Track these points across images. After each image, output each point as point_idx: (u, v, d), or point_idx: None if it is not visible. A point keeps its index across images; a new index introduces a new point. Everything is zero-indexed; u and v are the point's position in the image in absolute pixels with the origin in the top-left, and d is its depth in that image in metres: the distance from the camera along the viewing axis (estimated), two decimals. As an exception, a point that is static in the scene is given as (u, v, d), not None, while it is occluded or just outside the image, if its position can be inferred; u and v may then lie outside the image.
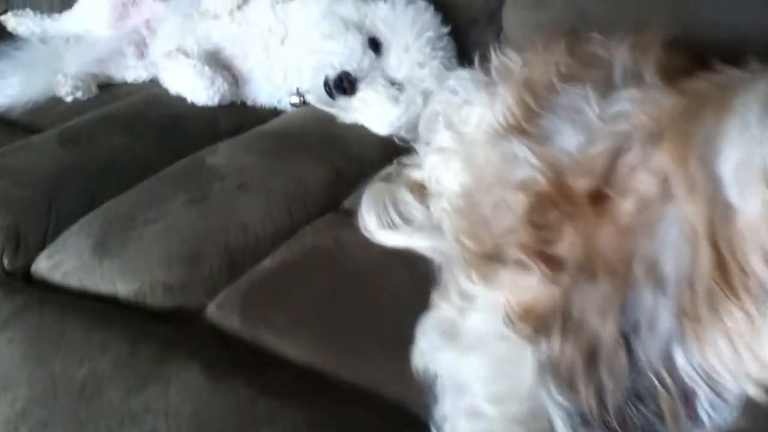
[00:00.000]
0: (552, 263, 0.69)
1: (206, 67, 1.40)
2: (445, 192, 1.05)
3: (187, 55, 1.42)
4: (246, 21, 1.50)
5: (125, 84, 1.70)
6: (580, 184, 0.69)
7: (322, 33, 1.37)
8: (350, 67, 1.33)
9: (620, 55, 0.95)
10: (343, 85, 1.33)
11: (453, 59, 1.43)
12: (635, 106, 0.71)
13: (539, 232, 0.71)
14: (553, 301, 0.67)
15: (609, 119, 0.73)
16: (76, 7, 1.82)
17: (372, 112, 1.36)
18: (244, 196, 1.12)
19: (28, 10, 1.87)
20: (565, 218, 0.69)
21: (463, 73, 1.23)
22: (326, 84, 1.34)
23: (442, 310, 0.80)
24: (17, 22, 1.85)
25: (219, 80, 1.41)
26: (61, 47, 1.73)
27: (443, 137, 1.09)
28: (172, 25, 1.64)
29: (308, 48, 1.40)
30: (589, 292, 0.63)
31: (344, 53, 1.33)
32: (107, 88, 1.67)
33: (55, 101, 1.58)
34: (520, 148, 0.85)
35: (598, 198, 0.66)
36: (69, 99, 1.58)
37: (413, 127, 1.35)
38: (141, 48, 1.73)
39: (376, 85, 1.35)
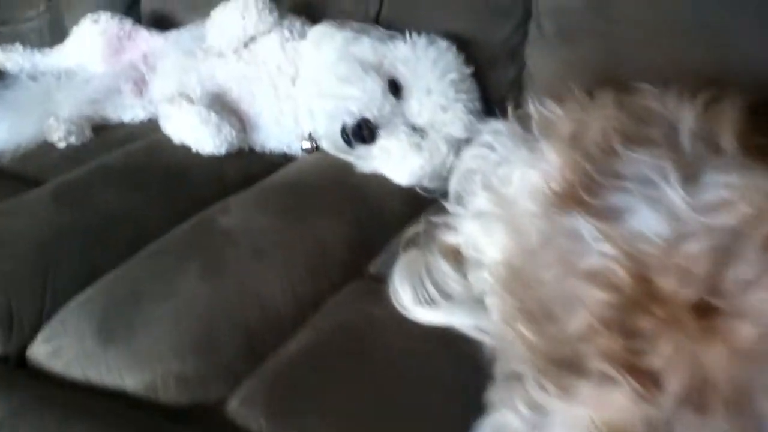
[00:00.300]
0: (645, 379, 0.59)
1: (212, 114, 1.30)
2: (486, 261, 0.95)
3: (190, 100, 1.31)
4: (253, 60, 1.40)
5: (122, 125, 1.59)
6: (675, 288, 0.60)
7: (338, 76, 1.27)
8: (370, 114, 1.23)
9: (685, 115, 0.86)
10: (363, 133, 1.23)
11: (477, 101, 1.33)
12: (734, 193, 0.62)
13: (627, 340, 0.61)
14: (649, 424, 0.58)
15: (702, 209, 0.63)
16: (68, 40, 1.70)
17: (393, 161, 1.26)
18: (261, 265, 1.02)
19: (17, 44, 1.75)
20: (660, 327, 0.59)
21: (498, 126, 1.14)
22: (344, 132, 1.25)
23: (506, 418, 0.69)
24: (5, 57, 1.73)
25: (226, 128, 1.31)
26: (53, 86, 1.62)
27: (481, 200, 0.99)
28: (173, 63, 1.53)
29: (322, 91, 1.30)
30: (699, 426, 0.54)
31: (363, 99, 1.23)
32: (103, 130, 1.57)
33: (47, 147, 1.47)
34: (586, 226, 0.75)
35: (704, 311, 0.56)
36: (62, 145, 1.47)
37: (437, 176, 1.26)
38: (139, 85, 1.63)
39: (398, 131, 1.25)
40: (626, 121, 0.92)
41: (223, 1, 1.42)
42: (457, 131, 1.28)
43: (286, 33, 1.41)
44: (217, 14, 1.40)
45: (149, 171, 1.26)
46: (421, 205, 1.23)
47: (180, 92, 1.39)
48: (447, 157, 1.27)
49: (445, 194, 1.15)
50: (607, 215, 0.75)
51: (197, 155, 1.33)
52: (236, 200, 1.19)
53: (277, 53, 1.39)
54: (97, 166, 1.30)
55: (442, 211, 1.10)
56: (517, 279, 0.86)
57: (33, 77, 1.67)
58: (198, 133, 1.29)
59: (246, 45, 1.41)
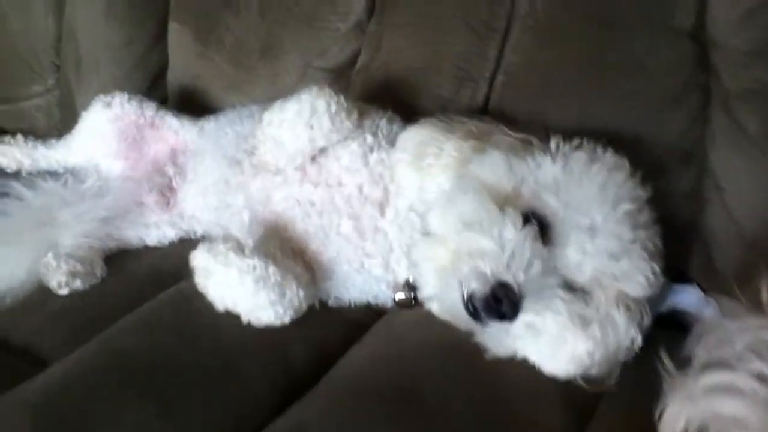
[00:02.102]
0: None
1: (271, 270, 0.88)
2: None
3: (239, 247, 0.89)
4: (324, 179, 0.99)
5: (146, 251, 1.19)
6: None
7: (459, 215, 0.85)
8: (511, 277, 0.80)
9: None
10: (500, 308, 0.80)
11: (658, 241, 0.89)
12: None
13: None
14: None
15: None
16: (76, 130, 1.31)
17: (547, 343, 0.83)
18: None
19: (18, 135, 1.37)
20: None
21: (728, 305, 0.71)
22: (470, 303, 0.82)
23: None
24: (0, 151, 1.35)
25: (292, 288, 0.89)
26: (54, 201, 1.21)
27: None
28: (211, 171, 1.13)
29: (433, 235, 0.88)
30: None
31: (500, 254, 0.81)
32: (121, 260, 1.16)
33: (43, 294, 1.07)
34: None
35: None
36: (63, 293, 1.07)
37: (609, 360, 0.83)
38: (166, 195, 1.23)
39: (552, 298, 0.82)
40: None
41: (279, 100, 1.00)
42: (637, 289, 0.85)
43: (369, 139, 1.00)
44: (272, 120, 0.98)
45: (181, 358, 0.85)
46: (587, 406, 0.81)
47: (223, 229, 0.98)
48: (626, 332, 0.83)
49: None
50: None
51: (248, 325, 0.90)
52: (306, 410, 0.77)
53: (359, 169, 0.98)
54: (105, 348, 0.88)
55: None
56: None
57: (30, 183, 1.26)
58: (252, 300, 0.87)
59: (314, 158, 0.99)
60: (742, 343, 0.65)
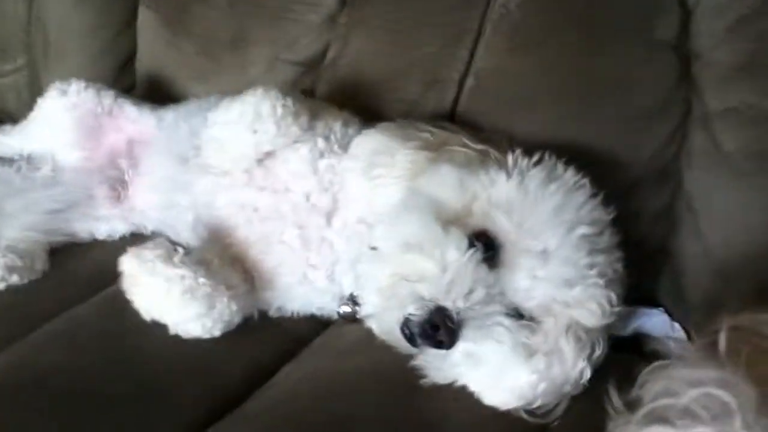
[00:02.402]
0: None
1: (201, 280, 0.83)
2: None
3: (168, 255, 0.84)
4: (270, 184, 0.93)
5: (95, 245, 1.14)
6: None
7: (400, 233, 0.79)
8: (450, 303, 0.75)
9: None
10: (437, 336, 0.75)
11: (619, 266, 0.83)
12: None
13: None
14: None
15: None
16: (32, 116, 1.25)
17: (487, 373, 0.78)
18: None
19: (-24, 120, 1.32)
20: None
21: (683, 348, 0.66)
22: (406, 327, 0.77)
23: None
24: (-48, 135, 1.30)
25: (222, 299, 0.84)
26: (2, 189, 1.16)
27: None
28: (161, 166, 1.08)
29: (374, 250, 0.82)
30: None
31: (441, 277, 0.75)
32: (66, 254, 1.11)
33: (-20, 287, 1.02)
34: None
35: None
36: (1, 286, 1.01)
37: (555, 391, 0.77)
38: (117, 189, 1.17)
39: (494, 325, 0.77)
40: None
41: (226, 99, 0.94)
42: (590, 319, 0.79)
43: (321, 143, 0.94)
44: (216, 121, 0.92)
45: (103, 379, 0.79)
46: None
47: (169, 228, 0.93)
48: (574, 364, 0.78)
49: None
50: None
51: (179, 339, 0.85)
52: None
53: (307, 174, 0.92)
54: (19, 363, 0.83)
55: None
56: None
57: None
58: (179, 312, 0.82)
59: (261, 161, 0.94)
60: (690, 397, 0.59)
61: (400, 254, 0.78)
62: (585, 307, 0.79)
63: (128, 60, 1.48)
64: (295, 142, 0.93)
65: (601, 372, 0.81)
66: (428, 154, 0.87)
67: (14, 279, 1.02)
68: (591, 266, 0.79)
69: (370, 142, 0.91)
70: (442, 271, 0.75)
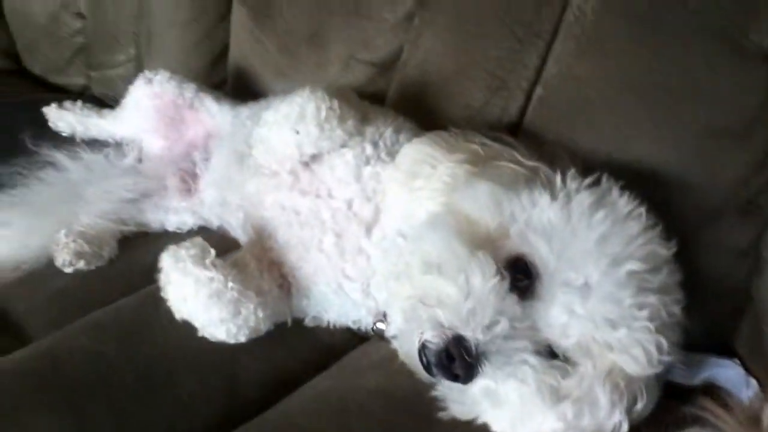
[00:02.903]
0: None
1: (230, 284, 0.82)
2: None
3: (200, 256, 0.84)
4: (314, 188, 0.91)
5: (165, 236, 1.17)
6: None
7: (424, 253, 0.74)
8: (470, 332, 0.69)
9: None
10: (453, 368, 0.69)
11: (677, 309, 0.73)
12: None
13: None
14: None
15: None
16: (122, 104, 1.31)
17: (509, 414, 0.71)
18: None
19: (78, 101, 1.40)
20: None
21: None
22: (422, 354, 0.72)
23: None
24: (59, 115, 1.39)
25: (249, 306, 0.83)
26: (89, 175, 1.22)
27: None
28: (222, 164, 1.09)
29: (401, 268, 0.77)
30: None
31: (459, 304, 0.69)
32: (134, 245, 1.15)
33: (52, 270, 1.08)
34: None
35: None
36: (68, 271, 1.07)
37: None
38: (188, 181, 1.20)
39: (519, 362, 0.70)
40: None
41: (285, 96, 0.93)
42: (634, 366, 0.70)
43: (368, 149, 0.90)
44: (267, 120, 0.91)
45: (121, 370, 0.81)
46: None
47: (226, 225, 0.94)
48: (607, 415, 0.69)
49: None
50: None
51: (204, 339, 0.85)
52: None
53: (350, 182, 0.89)
54: (45, 351, 0.85)
55: None
56: None
57: (76, 152, 1.28)
58: (205, 315, 0.82)
59: (308, 163, 0.92)
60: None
61: (420, 275, 0.72)
62: (629, 353, 0.71)
63: (222, 55, 1.51)
64: (343, 146, 0.90)
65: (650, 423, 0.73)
66: (471, 168, 0.81)
67: (81, 264, 1.07)
68: (639, 307, 0.70)
69: (415, 151, 0.86)
70: (463, 298, 0.69)
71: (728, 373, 0.85)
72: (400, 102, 1.11)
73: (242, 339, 0.84)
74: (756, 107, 0.83)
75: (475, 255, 0.71)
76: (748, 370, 0.84)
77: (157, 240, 1.17)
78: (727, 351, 0.87)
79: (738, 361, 0.85)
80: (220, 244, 0.98)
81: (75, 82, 1.82)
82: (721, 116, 0.84)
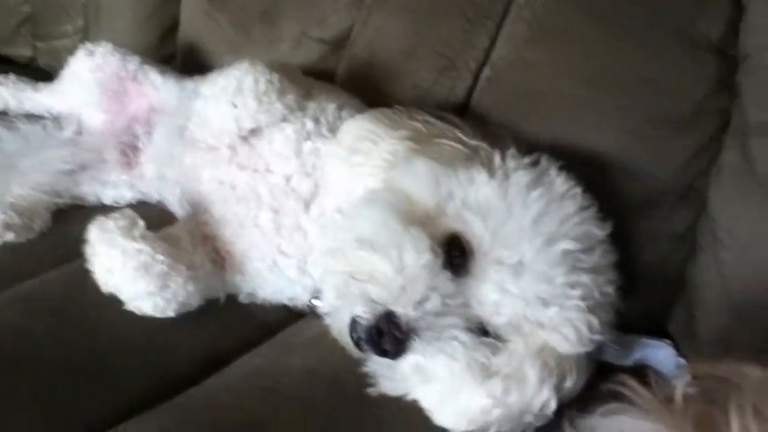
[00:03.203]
0: None
1: (159, 257, 0.79)
2: None
3: (128, 227, 0.81)
4: (252, 162, 0.88)
5: (100, 209, 1.13)
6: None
7: (358, 229, 0.73)
8: (401, 308, 0.68)
9: None
10: (383, 342, 0.68)
11: (609, 289, 0.74)
12: None
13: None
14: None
15: None
16: (60, 77, 1.26)
17: (437, 391, 0.70)
18: None
19: (11, 75, 1.34)
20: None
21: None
22: (353, 330, 0.70)
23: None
24: (-8, 90, 1.33)
25: (178, 280, 0.80)
26: (24, 146, 1.18)
27: None
28: (162, 138, 1.06)
29: (333, 243, 0.76)
30: None
31: (392, 280, 0.68)
32: (69, 217, 1.11)
33: (-19, 241, 1.03)
34: None
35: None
36: (-1, 242, 1.03)
37: (512, 419, 0.69)
38: (129, 155, 1.17)
39: (449, 338, 0.69)
40: None
41: (222, 69, 0.91)
42: (564, 344, 0.70)
43: (309, 125, 0.88)
44: (203, 93, 0.89)
45: (50, 347, 0.78)
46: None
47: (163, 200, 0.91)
48: (536, 393, 0.69)
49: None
50: None
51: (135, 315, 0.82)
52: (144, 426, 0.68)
53: (289, 157, 0.87)
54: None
55: None
56: None
57: (12, 122, 1.23)
58: (131, 288, 0.79)
59: (246, 137, 0.89)
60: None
61: (354, 250, 0.71)
62: (559, 331, 0.71)
63: (171, 29, 1.47)
64: (283, 121, 0.88)
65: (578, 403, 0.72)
66: (412, 145, 0.80)
67: (10, 236, 1.03)
68: (572, 286, 0.70)
69: (357, 127, 0.85)
70: (395, 274, 0.68)
71: (659, 354, 0.86)
72: (348, 81, 1.10)
73: (171, 313, 0.81)
74: (704, 96, 0.84)
75: (409, 231, 0.70)
76: (680, 352, 0.85)
77: (93, 213, 1.11)
78: (662, 334, 0.88)
79: (670, 342, 0.86)
80: (158, 219, 0.96)
81: (21, 54, 1.75)
82: (668, 105, 0.85)
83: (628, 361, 0.85)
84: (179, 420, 0.70)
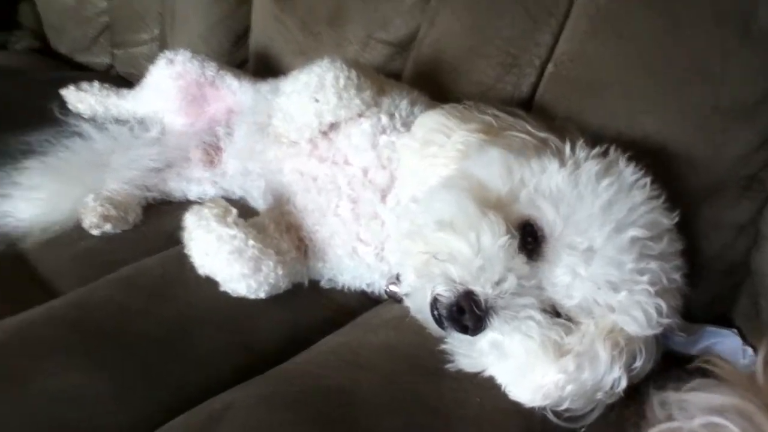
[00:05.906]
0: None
1: (251, 242, 0.86)
2: None
3: (222, 215, 0.88)
4: (331, 156, 0.95)
5: (187, 204, 1.22)
6: None
7: (436, 211, 0.78)
8: (479, 287, 0.73)
9: None
10: (463, 319, 0.73)
11: (677, 275, 0.77)
12: None
13: None
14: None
15: None
16: (144, 83, 1.35)
17: (513, 366, 0.75)
18: None
19: (95, 83, 1.44)
20: None
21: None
22: (434, 308, 0.76)
23: None
24: (78, 97, 1.43)
25: (269, 263, 0.87)
26: (114, 145, 1.27)
27: None
28: (244, 136, 1.13)
29: (413, 228, 0.81)
30: None
31: (472, 261, 0.73)
32: (158, 212, 1.20)
33: (79, 232, 1.12)
34: None
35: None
36: (95, 233, 1.12)
37: (585, 396, 0.73)
38: (211, 153, 1.25)
39: (524, 318, 0.74)
40: None
41: (304, 67, 0.97)
42: (633, 326, 0.74)
43: (384, 119, 0.94)
44: (285, 90, 0.96)
45: (142, 322, 0.85)
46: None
47: (247, 194, 0.98)
48: (607, 370, 0.73)
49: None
50: None
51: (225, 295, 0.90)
52: (245, 396, 0.75)
53: (366, 150, 0.93)
54: (74, 301, 0.90)
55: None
56: None
57: (102, 124, 1.32)
58: (227, 270, 0.86)
59: (326, 132, 0.96)
60: (697, 423, 0.54)
61: (433, 232, 0.76)
62: (629, 314, 0.74)
63: (243, 35, 1.55)
64: (360, 116, 0.94)
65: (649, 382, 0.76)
66: (484, 137, 0.84)
67: (107, 227, 1.12)
68: (640, 272, 0.74)
69: (430, 121, 0.90)
70: (473, 254, 0.73)
71: (726, 343, 0.88)
72: (415, 79, 1.15)
73: (262, 295, 0.88)
74: (762, 89, 0.86)
75: (486, 215, 0.75)
76: (746, 341, 0.87)
77: (180, 208, 1.21)
78: (726, 323, 0.90)
79: (736, 331, 0.88)
80: (241, 212, 1.04)
81: (100, 61, 1.87)
82: (728, 96, 0.87)
83: (695, 350, 0.88)
84: (280, 384, 0.76)
